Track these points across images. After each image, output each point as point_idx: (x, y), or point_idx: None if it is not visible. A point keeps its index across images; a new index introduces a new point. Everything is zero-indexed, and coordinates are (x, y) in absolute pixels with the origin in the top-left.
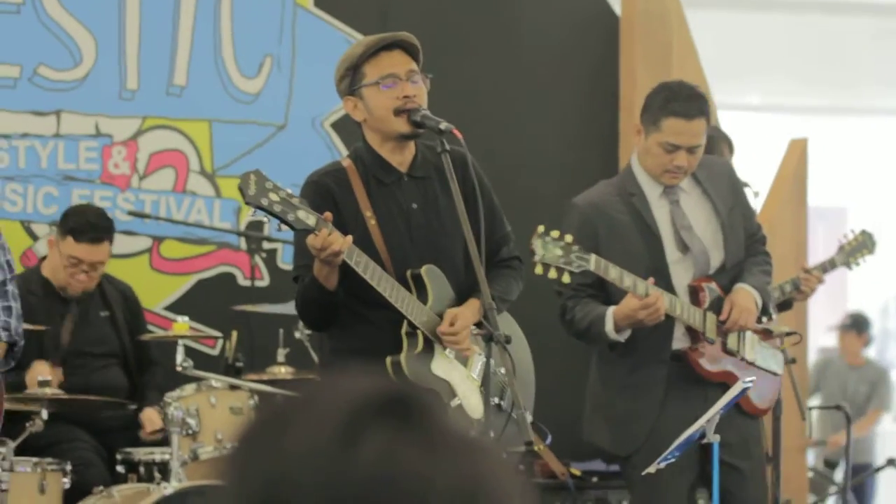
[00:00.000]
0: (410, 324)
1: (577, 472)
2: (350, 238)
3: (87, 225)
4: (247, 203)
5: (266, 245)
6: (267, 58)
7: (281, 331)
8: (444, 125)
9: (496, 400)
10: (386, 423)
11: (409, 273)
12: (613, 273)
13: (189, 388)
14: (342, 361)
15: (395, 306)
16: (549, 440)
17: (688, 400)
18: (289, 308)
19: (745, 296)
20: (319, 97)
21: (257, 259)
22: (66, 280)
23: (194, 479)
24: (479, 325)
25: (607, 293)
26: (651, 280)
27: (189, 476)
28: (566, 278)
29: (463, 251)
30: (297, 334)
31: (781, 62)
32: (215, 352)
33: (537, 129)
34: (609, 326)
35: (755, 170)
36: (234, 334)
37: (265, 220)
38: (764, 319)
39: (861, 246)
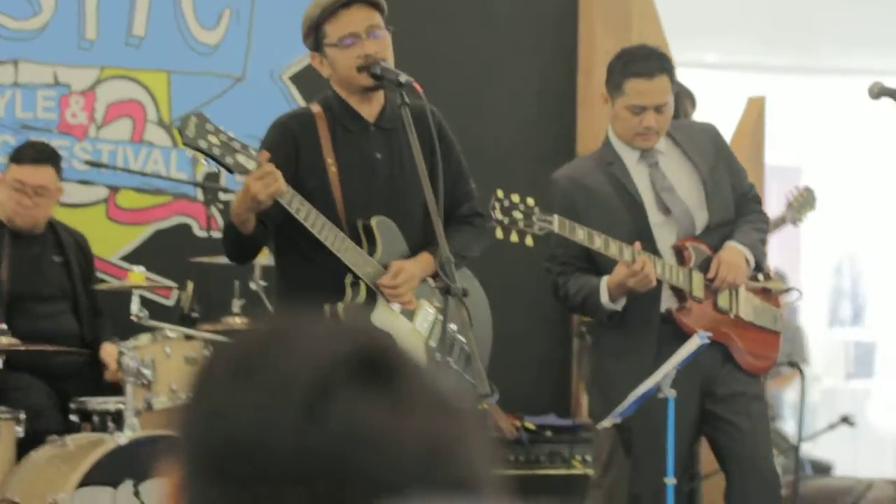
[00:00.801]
0: (355, 273)
1: (530, 426)
2: (286, 186)
3: (28, 147)
4: (184, 143)
5: (223, 196)
6: (226, 9)
7: (236, 282)
8: (403, 78)
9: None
10: (354, 390)
11: (360, 223)
12: (581, 234)
13: (144, 338)
14: (289, 302)
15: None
16: (496, 398)
17: None
18: None
19: (734, 252)
20: (278, 50)
21: (213, 210)
22: (14, 209)
23: (148, 429)
24: (435, 277)
25: (596, 265)
26: (638, 245)
27: (143, 426)
28: (529, 241)
29: (423, 206)
30: (253, 285)
31: (740, 21)
32: (171, 302)
33: (496, 91)
34: (605, 297)
35: None
36: (190, 285)
37: (217, 169)
38: (760, 277)
39: (805, 203)
